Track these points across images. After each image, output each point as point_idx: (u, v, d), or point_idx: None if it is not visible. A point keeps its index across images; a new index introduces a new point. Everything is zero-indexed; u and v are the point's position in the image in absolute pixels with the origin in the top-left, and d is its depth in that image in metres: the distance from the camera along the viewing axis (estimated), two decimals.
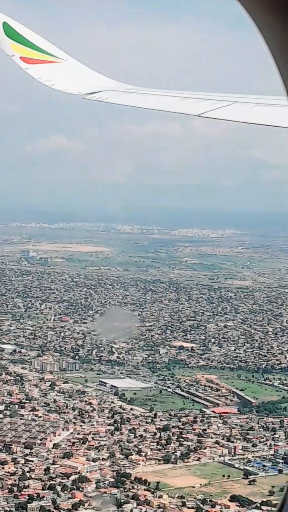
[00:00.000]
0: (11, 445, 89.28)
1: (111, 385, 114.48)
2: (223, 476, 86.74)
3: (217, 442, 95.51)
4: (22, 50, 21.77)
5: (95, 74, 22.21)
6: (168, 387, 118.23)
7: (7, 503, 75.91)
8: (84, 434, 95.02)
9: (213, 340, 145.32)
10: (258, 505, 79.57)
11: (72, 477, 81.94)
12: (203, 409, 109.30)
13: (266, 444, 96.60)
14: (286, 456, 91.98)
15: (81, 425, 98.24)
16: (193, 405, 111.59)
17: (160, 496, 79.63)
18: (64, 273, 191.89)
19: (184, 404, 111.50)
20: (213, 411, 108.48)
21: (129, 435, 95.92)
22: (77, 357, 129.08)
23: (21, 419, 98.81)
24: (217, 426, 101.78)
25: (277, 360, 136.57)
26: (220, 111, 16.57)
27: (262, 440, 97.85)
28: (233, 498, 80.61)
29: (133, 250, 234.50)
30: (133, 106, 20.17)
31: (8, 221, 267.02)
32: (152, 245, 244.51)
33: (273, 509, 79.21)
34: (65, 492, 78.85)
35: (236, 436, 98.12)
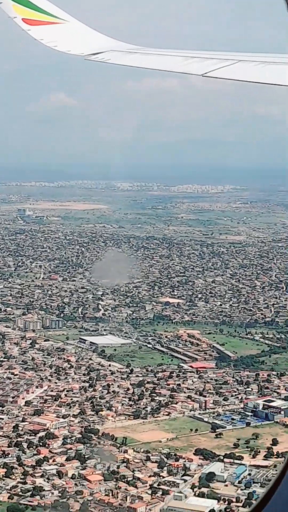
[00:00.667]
0: None
1: (91, 342, 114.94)
2: (191, 430, 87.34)
3: (189, 397, 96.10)
4: (24, 12, 21.64)
5: (97, 35, 22.18)
6: (149, 342, 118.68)
7: None
8: (58, 391, 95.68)
9: (200, 295, 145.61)
10: (222, 457, 79.99)
11: (40, 434, 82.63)
12: (181, 364, 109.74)
13: (237, 398, 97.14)
14: (255, 409, 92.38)
15: (55, 383, 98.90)
16: (171, 360, 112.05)
17: (125, 451, 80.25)
18: (58, 231, 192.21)
19: (162, 359, 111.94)
20: (191, 366, 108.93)
21: (102, 392, 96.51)
22: (62, 315, 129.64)
23: None
24: (192, 381, 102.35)
25: (261, 314, 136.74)
26: (224, 70, 16.46)
27: (234, 394, 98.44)
28: (198, 452, 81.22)
29: (131, 207, 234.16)
30: (136, 67, 20.04)
31: (8, 179, 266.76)
32: (150, 202, 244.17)
33: (236, 461, 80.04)
34: (31, 449, 79.56)
35: (209, 391, 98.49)
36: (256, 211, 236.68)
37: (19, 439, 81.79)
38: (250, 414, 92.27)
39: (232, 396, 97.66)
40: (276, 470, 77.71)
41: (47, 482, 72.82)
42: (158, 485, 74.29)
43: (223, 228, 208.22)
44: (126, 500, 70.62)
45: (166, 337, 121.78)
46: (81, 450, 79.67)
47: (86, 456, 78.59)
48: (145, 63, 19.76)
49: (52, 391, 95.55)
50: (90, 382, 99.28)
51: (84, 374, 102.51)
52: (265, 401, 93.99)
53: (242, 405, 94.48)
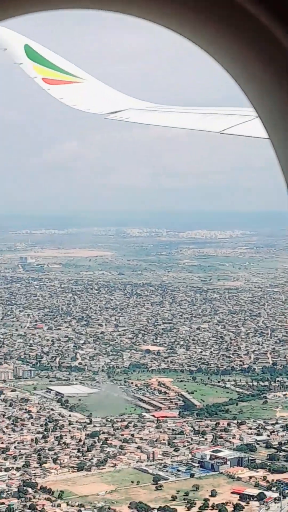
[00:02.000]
0: None
1: (57, 392, 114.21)
2: (132, 482, 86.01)
3: (138, 448, 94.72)
4: (44, 71, 21.89)
5: (116, 93, 22.24)
6: (116, 392, 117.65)
7: None
8: (9, 443, 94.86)
9: (182, 342, 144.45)
10: (155, 511, 78.65)
11: None
12: (144, 413, 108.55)
13: (189, 448, 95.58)
14: (201, 460, 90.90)
15: (9, 434, 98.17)
16: (135, 409, 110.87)
17: (59, 505, 79.22)
18: (56, 279, 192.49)
19: (126, 409, 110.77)
20: (153, 415, 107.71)
21: (53, 443, 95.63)
22: (38, 365, 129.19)
23: None
24: (149, 431, 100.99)
25: (240, 361, 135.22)
26: (241, 127, 16.33)
27: (186, 444, 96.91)
28: (132, 505, 79.86)
29: (136, 253, 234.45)
30: (156, 125, 20.23)
31: (18, 228, 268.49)
32: (156, 248, 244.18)
33: None
34: None
35: (162, 441, 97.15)
36: (260, 256, 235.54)
37: None
38: (196, 465, 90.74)
39: (184, 446, 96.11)
40: None
41: None
42: None
43: (223, 274, 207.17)
44: None
45: (136, 385, 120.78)
46: (13, 505, 78.52)
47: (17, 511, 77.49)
48: (163, 122, 19.97)
49: (2, 443, 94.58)
50: (45, 433, 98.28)
51: (41, 425, 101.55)
52: (212, 451, 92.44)
53: (190, 456, 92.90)
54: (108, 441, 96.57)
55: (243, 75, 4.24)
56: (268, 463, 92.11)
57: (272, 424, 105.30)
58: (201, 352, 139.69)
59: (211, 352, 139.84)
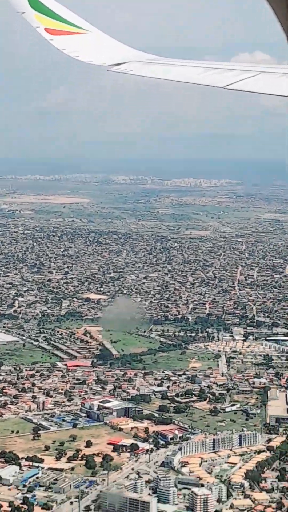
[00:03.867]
0: None
1: None
2: (12, 431, 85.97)
3: (33, 397, 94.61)
4: (47, 22, 21.40)
5: (119, 45, 21.83)
6: (37, 340, 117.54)
7: None
8: None
9: (125, 291, 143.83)
10: (20, 460, 78.69)
11: None
12: (57, 362, 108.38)
13: (85, 398, 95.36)
14: (89, 410, 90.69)
15: None
16: (50, 358, 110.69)
17: None
18: (23, 225, 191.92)
19: (41, 357, 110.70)
20: (66, 365, 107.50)
21: None
22: None
23: None
24: (52, 380, 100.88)
25: (176, 311, 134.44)
26: (245, 83, 15.89)
27: (82, 394, 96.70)
28: (1, 454, 79.95)
29: (114, 201, 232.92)
30: (158, 78, 19.50)
31: (4, 173, 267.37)
32: (136, 196, 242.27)
33: (35, 464, 78.59)
34: None
35: (59, 391, 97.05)
36: (236, 206, 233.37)
37: None
38: (84, 415, 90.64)
39: (79, 396, 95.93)
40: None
41: None
42: None
43: (193, 223, 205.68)
44: None
45: (60, 334, 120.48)
46: None
47: None
48: (166, 75, 19.33)
49: None
50: None
51: None
52: (101, 401, 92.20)
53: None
54: (4, 390, 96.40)
55: None
56: (156, 415, 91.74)
57: (179, 375, 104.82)
58: (141, 301, 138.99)
59: (151, 301, 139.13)
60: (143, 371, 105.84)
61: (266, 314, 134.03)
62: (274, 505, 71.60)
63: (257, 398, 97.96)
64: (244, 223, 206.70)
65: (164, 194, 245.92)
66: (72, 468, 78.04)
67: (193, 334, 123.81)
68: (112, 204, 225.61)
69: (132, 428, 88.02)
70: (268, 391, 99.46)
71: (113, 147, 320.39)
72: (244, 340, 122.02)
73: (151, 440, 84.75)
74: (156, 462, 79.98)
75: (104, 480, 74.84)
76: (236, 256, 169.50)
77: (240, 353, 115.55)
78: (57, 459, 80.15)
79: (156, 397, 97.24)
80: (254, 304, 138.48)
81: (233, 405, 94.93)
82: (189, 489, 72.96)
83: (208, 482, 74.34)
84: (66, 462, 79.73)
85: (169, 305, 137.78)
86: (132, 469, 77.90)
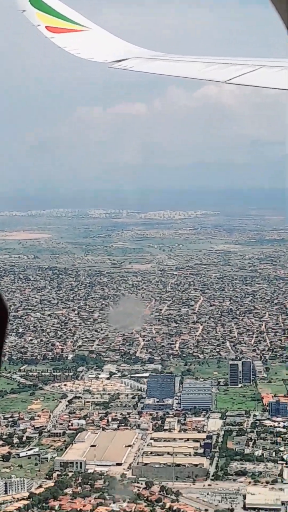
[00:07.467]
0: None
1: None
2: None
3: None
4: (48, 19, 21.40)
5: (120, 41, 21.80)
6: None
7: None
8: None
9: (20, 330, 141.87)
10: None
11: None
12: None
13: None
14: None
15: None
16: None
17: None
18: None
19: None
20: None
21: None
22: None
23: None
24: None
25: (61, 349, 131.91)
26: (247, 77, 16.00)
27: None
28: None
29: (75, 236, 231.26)
30: (160, 74, 19.86)
31: None
32: (101, 230, 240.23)
33: None
34: None
35: None
36: (196, 238, 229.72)
37: None
38: None
39: None
40: None
41: None
42: None
43: (140, 257, 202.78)
44: None
45: None
46: None
47: None
48: (167, 70, 19.45)
49: None
50: None
51: None
52: None
53: None
54: None
55: None
56: None
57: (6, 418, 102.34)
58: (31, 340, 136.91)
59: (40, 340, 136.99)
60: None
61: (150, 350, 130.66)
62: None
63: (64, 441, 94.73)
64: (192, 255, 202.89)
65: (130, 228, 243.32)
66: None
67: (59, 374, 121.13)
68: (72, 239, 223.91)
69: None
70: (79, 433, 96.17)
71: (95, 179, 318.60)
72: (108, 378, 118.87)
73: None
74: None
75: None
76: (158, 289, 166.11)
77: (90, 392, 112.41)
78: None
79: None
80: (143, 340, 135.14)
81: (30, 449, 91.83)
82: None
83: None
84: None
85: (57, 343, 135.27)
86: None
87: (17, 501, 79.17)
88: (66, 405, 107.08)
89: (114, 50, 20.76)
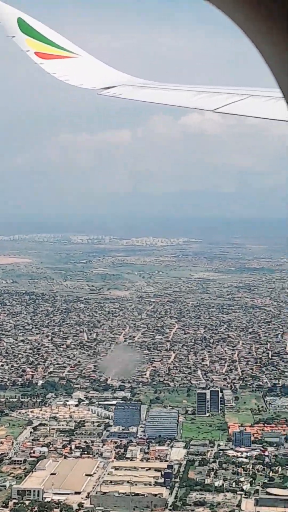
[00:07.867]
0: None
1: None
2: None
3: None
4: (37, 45, 21.42)
5: (109, 69, 21.84)
6: None
7: None
8: None
9: None
10: None
11: None
12: None
13: None
14: None
15: None
16: None
17: None
18: None
19: None
20: None
21: None
22: None
23: None
24: None
25: (31, 375, 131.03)
26: (234, 106, 16.13)
27: None
28: None
29: (56, 261, 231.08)
30: (148, 102, 19.79)
31: None
32: (82, 256, 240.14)
33: None
34: None
35: None
36: (176, 265, 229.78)
37: None
38: None
39: None
40: None
41: None
42: None
43: (119, 283, 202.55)
44: None
45: None
46: None
47: None
48: (156, 98, 19.53)
49: None
50: None
51: None
52: None
53: None
54: None
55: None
56: None
57: None
58: (2, 365, 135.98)
59: (11, 365, 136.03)
60: None
61: (121, 377, 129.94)
62: None
63: (25, 468, 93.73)
64: (170, 283, 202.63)
65: (111, 254, 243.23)
66: None
67: (27, 400, 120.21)
68: (52, 265, 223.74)
69: None
70: (40, 461, 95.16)
71: (79, 205, 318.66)
72: (76, 405, 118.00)
73: None
74: None
75: None
76: (133, 316, 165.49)
77: (56, 419, 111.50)
78: None
79: None
80: (114, 367, 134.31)
81: None
82: None
83: None
84: None
85: (28, 369, 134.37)
86: None
87: None
88: (31, 432, 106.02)
89: (103, 77, 20.89)
